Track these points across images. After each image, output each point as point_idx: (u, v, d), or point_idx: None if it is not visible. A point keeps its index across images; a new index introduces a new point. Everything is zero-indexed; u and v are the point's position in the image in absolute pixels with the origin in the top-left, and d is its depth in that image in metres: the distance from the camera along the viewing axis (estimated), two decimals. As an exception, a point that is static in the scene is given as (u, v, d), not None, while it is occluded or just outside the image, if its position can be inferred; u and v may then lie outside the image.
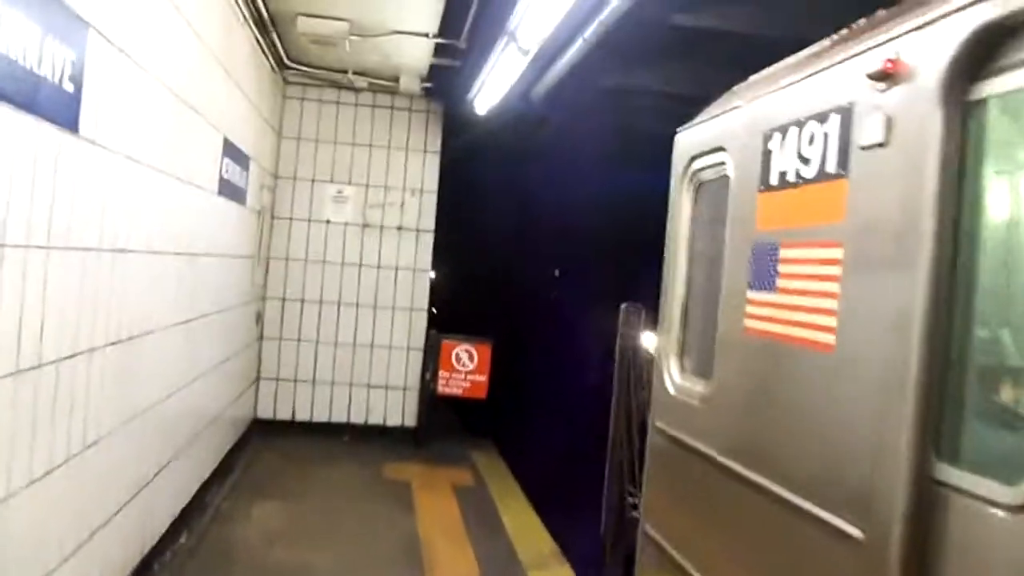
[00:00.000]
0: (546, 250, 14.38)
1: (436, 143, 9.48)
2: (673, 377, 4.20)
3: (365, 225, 9.41)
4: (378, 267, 9.44)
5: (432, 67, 8.23)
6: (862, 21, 2.93)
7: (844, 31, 3.01)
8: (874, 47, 2.50)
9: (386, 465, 8.41)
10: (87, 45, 3.44)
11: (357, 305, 9.43)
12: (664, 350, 4.32)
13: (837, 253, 2.62)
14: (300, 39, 7.20)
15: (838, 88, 2.72)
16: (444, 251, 9.77)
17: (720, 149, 3.74)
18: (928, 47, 2.26)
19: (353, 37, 6.92)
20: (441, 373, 9.17)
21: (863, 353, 2.46)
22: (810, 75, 2.93)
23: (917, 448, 2.21)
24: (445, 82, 8.65)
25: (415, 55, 7.68)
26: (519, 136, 9.56)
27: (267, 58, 7.77)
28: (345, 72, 8.71)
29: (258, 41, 7.10)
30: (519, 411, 11.84)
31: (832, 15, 3.47)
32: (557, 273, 14.52)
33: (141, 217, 4.35)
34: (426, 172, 9.47)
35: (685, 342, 4.21)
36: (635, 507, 4.85)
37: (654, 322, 5.26)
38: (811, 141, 2.86)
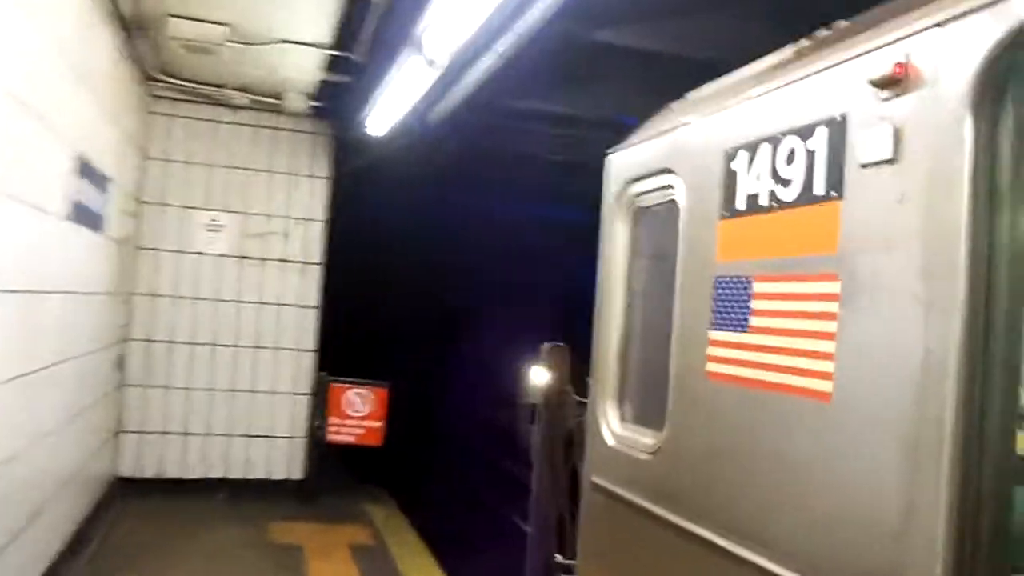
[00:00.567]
0: (453, 285, 13.92)
1: (324, 168, 8.90)
2: (611, 426, 3.81)
3: (243, 257, 8.70)
4: (259, 303, 8.74)
5: (322, 84, 7.70)
6: (842, 23, 2.65)
7: (824, 32, 2.73)
8: (875, 49, 2.21)
9: (271, 525, 7.67)
10: None
11: (235, 346, 8.67)
12: (600, 396, 3.93)
13: (832, 287, 2.30)
14: (171, 44, 6.54)
15: (826, 97, 2.42)
16: (341, 286, 9.15)
17: (666, 171, 3.41)
18: (953, 47, 1.97)
19: (233, 44, 6.32)
20: (331, 419, 8.52)
21: (872, 404, 2.13)
22: (786, 84, 2.63)
23: (956, 530, 1.88)
24: (336, 101, 8.12)
25: (303, 68, 7.14)
26: (422, 161, 9.11)
27: (133, 66, 7.04)
28: (223, 87, 8.05)
29: (123, 45, 6.39)
30: (421, 459, 11.25)
31: (771, 37, 3.20)
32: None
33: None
34: (313, 199, 8.87)
35: (624, 387, 3.84)
36: (565, 573, 4.42)
37: (583, 362, 4.90)
38: (790, 159, 2.55)
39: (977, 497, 1.88)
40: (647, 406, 3.61)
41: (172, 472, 8.51)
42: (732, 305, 2.82)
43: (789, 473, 2.45)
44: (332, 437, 8.53)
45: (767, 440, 2.57)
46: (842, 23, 2.67)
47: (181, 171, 8.54)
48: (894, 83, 2.13)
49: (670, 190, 3.40)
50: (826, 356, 2.31)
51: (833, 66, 2.41)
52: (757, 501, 2.61)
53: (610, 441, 3.78)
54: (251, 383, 8.68)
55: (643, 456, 3.40)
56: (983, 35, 1.91)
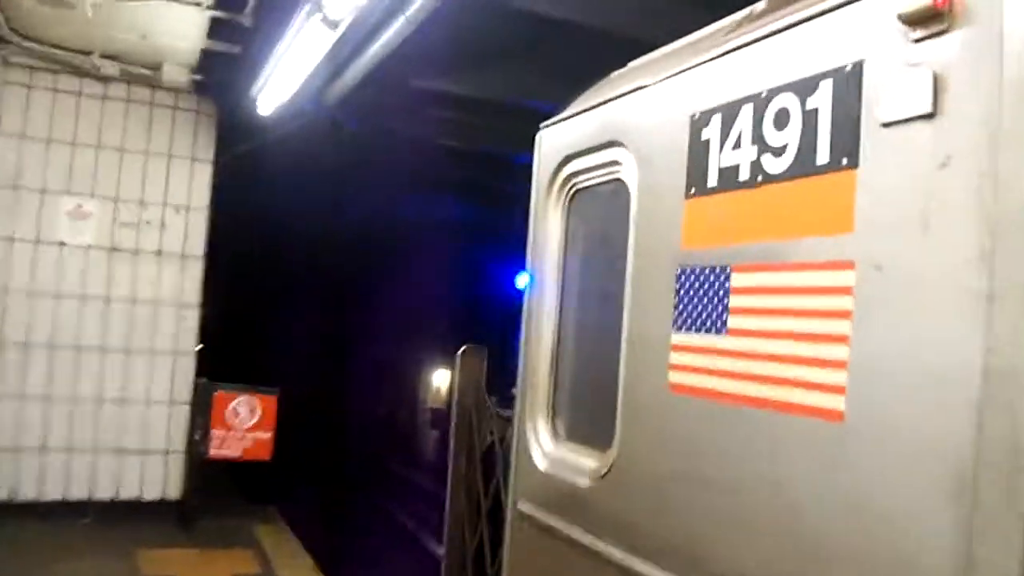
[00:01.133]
0: (350, 282, 13.17)
1: (208, 150, 8.10)
2: (543, 445, 3.31)
3: (114, 249, 7.81)
4: (132, 301, 7.87)
5: (205, 54, 6.94)
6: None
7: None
8: (905, -24, 1.76)
9: (142, 554, 6.85)
10: None
11: (102, 349, 7.77)
12: (528, 409, 3.42)
13: (846, 279, 1.85)
14: (22, -2, 5.67)
15: (831, 43, 1.97)
16: (225, 282, 8.35)
17: (612, 144, 2.93)
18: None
19: None
20: (214, 432, 7.74)
21: (905, 425, 1.68)
22: (775, 31, 2.18)
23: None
24: (221, 74, 7.36)
25: (182, 34, 6.38)
26: (318, 147, 8.41)
27: (-25, 25, 6.14)
28: (89, 54, 7.17)
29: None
30: (316, 472, 10.50)
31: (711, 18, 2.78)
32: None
33: None
34: (194, 185, 8.06)
35: (558, 399, 3.34)
36: (485, 612, 3.90)
37: (500, 366, 4.39)
38: (783, 121, 2.10)
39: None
40: (589, 422, 3.13)
41: (27, 494, 7.56)
42: (702, 301, 2.35)
43: (783, 510, 2.00)
44: (215, 452, 7.74)
45: (751, 468, 2.11)
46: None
47: (39, 150, 7.58)
48: (933, 18, 1.69)
49: (617, 167, 2.92)
50: (837, 365, 1.86)
51: (841, 4, 1.96)
52: (736, 542, 2.14)
53: (541, 463, 3.28)
54: (121, 391, 7.80)
55: (584, 482, 2.91)
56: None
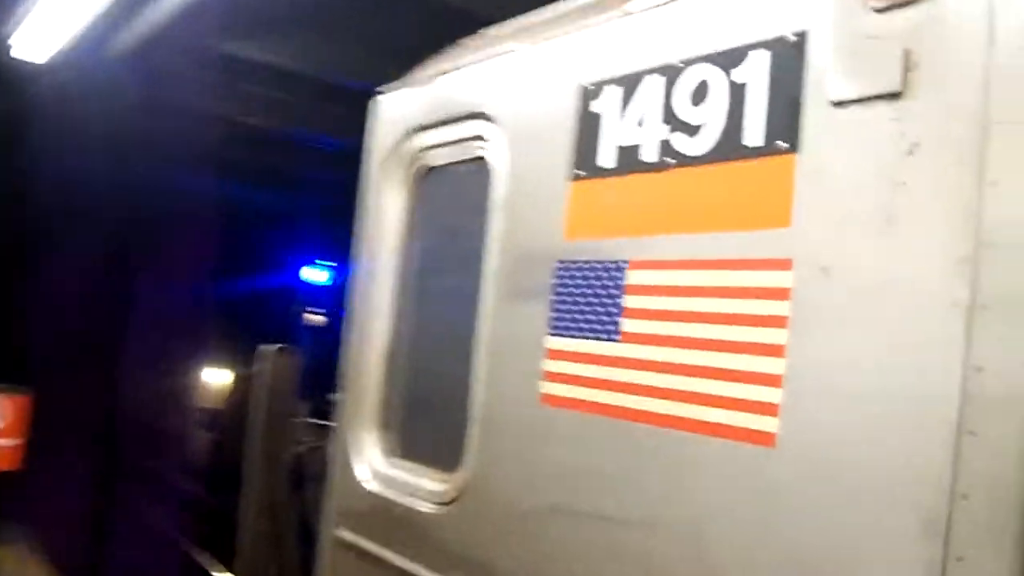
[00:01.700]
0: (124, 271, 11.79)
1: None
2: (371, 462, 2.87)
3: None
4: None
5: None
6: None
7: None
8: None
9: None
10: None
11: None
12: (352, 419, 2.97)
13: (780, 279, 1.59)
14: None
15: (767, 11, 1.72)
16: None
17: (475, 116, 2.56)
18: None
19: None
20: (-54, 438, 6.53)
21: (852, 454, 1.44)
22: (694, -9, 1.90)
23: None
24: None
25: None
26: (95, 110, 7.35)
27: None
28: None
29: None
30: (70, 481, 9.24)
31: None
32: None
33: None
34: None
35: (391, 409, 2.92)
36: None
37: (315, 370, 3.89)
38: (702, 96, 1.83)
39: None
40: (431, 438, 2.74)
41: None
42: (588, 302, 2.03)
43: (691, 553, 1.71)
44: (-55, 461, 6.54)
45: (649, 498, 1.82)
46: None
47: None
48: (905, -18, 1.47)
49: (479, 143, 2.56)
50: (768, 380, 1.59)
51: (780, -36, 1.72)
52: (627, 583, 1.84)
53: (368, 483, 2.84)
54: None
55: (426, 508, 2.52)
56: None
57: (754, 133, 1.69)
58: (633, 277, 1.93)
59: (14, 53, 5.63)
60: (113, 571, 6.91)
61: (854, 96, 1.52)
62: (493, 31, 2.69)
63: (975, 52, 1.37)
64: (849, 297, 1.49)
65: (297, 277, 13.80)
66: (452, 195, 2.78)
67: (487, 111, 2.51)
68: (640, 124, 1.96)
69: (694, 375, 1.74)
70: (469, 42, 2.76)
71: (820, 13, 1.61)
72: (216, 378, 12.55)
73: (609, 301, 1.98)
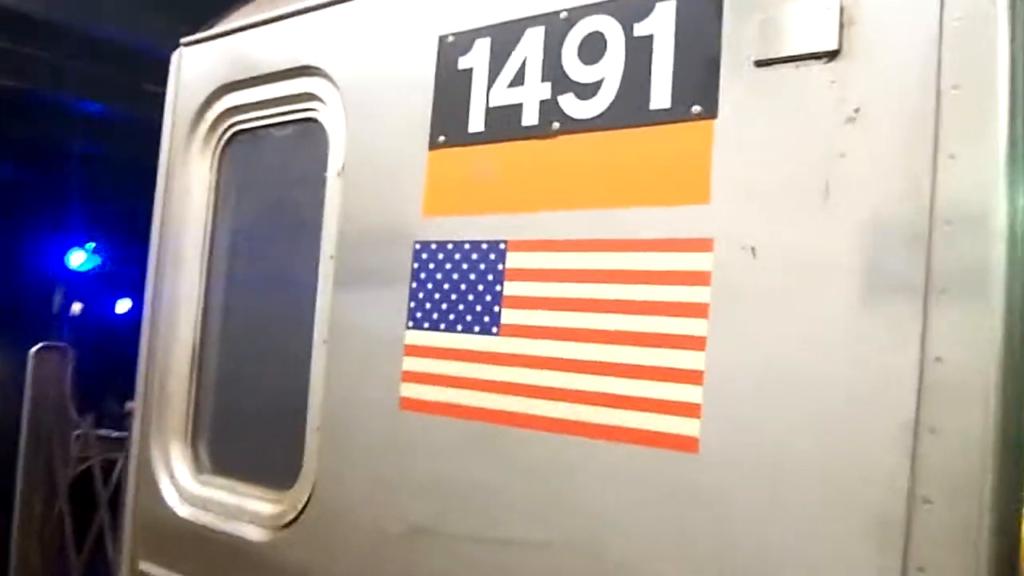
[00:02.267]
0: None
1: None
2: (179, 481, 2.46)
3: None
4: None
5: None
6: None
7: None
8: None
9: None
10: None
11: None
12: (154, 431, 2.55)
13: (700, 262, 1.42)
14: None
15: (677, -49, 1.53)
16: None
17: (306, 72, 2.22)
18: None
19: None
20: None
21: (796, 458, 1.30)
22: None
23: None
24: None
25: None
26: None
27: None
28: None
29: None
30: None
31: None
32: None
33: None
34: None
35: (201, 418, 2.52)
36: None
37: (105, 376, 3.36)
38: (596, 52, 1.61)
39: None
40: (256, 450, 2.38)
41: None
42: (456, 289, 1.78)
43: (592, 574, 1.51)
44: None
45: (545, 516, 1.60)
46: None
47: None
48: (839, -75, 1.32)
49: (310, 103, 2.22)
50: (687, 377, 1.42)
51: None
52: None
53: (177, 505, 2.44)
54: None
55: (255, 532, 2.17)
56: None
57: (661, 95, 1.50)
58: (514, 260, 1.69)
59: None
60: None
61: (782, 55, 1.36)
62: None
63: (923, 5, 1.24)
64: (780, 280, 1.34)
65: (63, 264, 12.36)
66: (275, 163, 2.41)
67: (320, 66, 2.17)
68: (518, 83, 1.72)
69: (595, 372, 1.54)
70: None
71: (738, -41, 1.44)
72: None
73: (484, 288, 1.73)
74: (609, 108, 1.57)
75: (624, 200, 1.53)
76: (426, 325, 1.82)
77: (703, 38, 1.46)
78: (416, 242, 1.86)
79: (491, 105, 1.76)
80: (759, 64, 1.39)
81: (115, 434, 2.93)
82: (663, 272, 1.46)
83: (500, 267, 1.71)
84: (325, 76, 2.15)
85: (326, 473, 2.02)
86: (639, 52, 1.54)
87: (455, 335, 1.77)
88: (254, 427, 2.41)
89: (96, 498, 2.85)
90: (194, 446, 2.50)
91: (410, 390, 1.84)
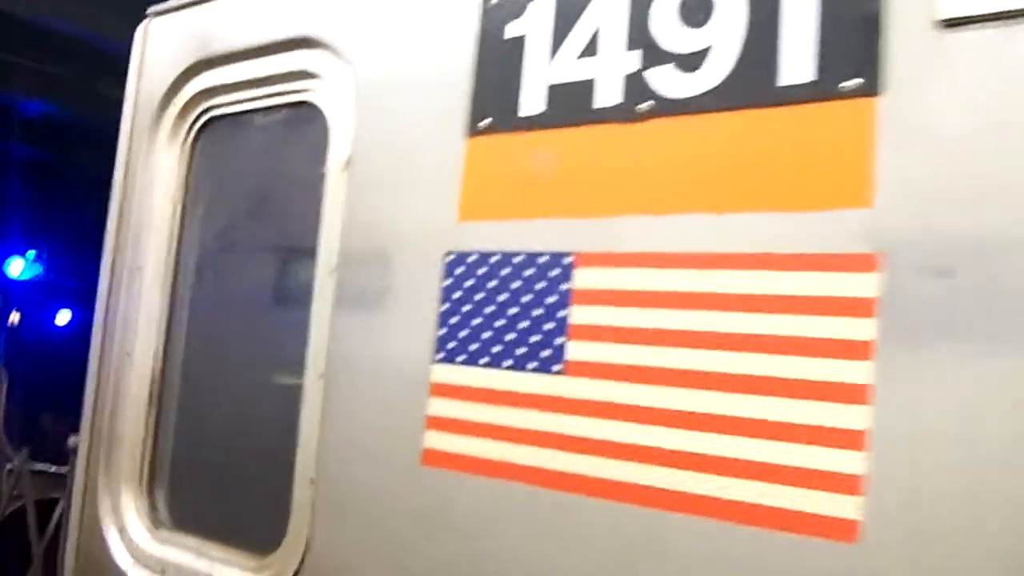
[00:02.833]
0: None
1: None
2: (131, 537, 2.05)
3: None
4: None
5: None
6: None
7: None
8: None
9: None
10: None
11: None
12: (102, 475, 2.13)
13: (862, 286, 1.07)
14: None
15: None
16: None
17: (301, 44, 1.84)
18: None
19: None
20: None
21: (994, 558, 0.95)
22: None
23: None
24: None
25: None
26: None
27: None
28: None
29: None
30: None
31: None
32: None
33: None
34: None
35: (160, 461, 2.11)
36: None
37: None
38: (703, 11, 1.26)
39: None
40: (227, 502, 1.97)
41: None
42: (504, 314, 1.40)
43: None
44: None
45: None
46: None
47: None
48: None
49: (306, 81, 1.84)
50: (842, 440, 1.06)
51: None
52: None
53: (128, 566, 2.02)
54: None
55: (229, 609, 1.76)
56: None
57: (797, 66, 1.15)
58: (584, 278, 1.33)
59: None
60: None
61: (980, 12, 1.02)
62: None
63: None
64: (980, 311, 0.99)
65: (2, 272, 11.69)
66: (259, 156, 2.02)
67: (324, 36, 1.79)
68: (589, 53, 1.36)
69: (700, 428, 1.18)
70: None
71: None
72: None
73: (542, 314, 1.36)
74: (721, 84, 1.22)
75: (743, 203, 1.18)
76: (460, 359, 1.45)
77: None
78: (449, 253, 1.49)
79: (553, 81, 1.40)
80: (945, 24, 1.05)
81: (53, 469, 2.49)
82: (806, 299, 1.10)
83: (565, 287, 1.34)
84: (330, 49, 1.77)
85: (322, 536, 1.63)
86: (764, 10, 1.19)
87: (500, 373, 1.40)
88: (225, 476, 2.01)
89: (29, 548, 2.40)
90: (150, 495, 2.08)
91: (436, 440, 1.46)
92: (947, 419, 1.00)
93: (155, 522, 2.06)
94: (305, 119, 1.84)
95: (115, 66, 2.42)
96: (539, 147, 1.41)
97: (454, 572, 1.41)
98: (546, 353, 1.35)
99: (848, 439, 1.06)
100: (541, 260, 1.38)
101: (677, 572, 1.18)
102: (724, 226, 1.19)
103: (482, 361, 1.42)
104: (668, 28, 1.29)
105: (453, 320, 1.47)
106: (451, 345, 1.47)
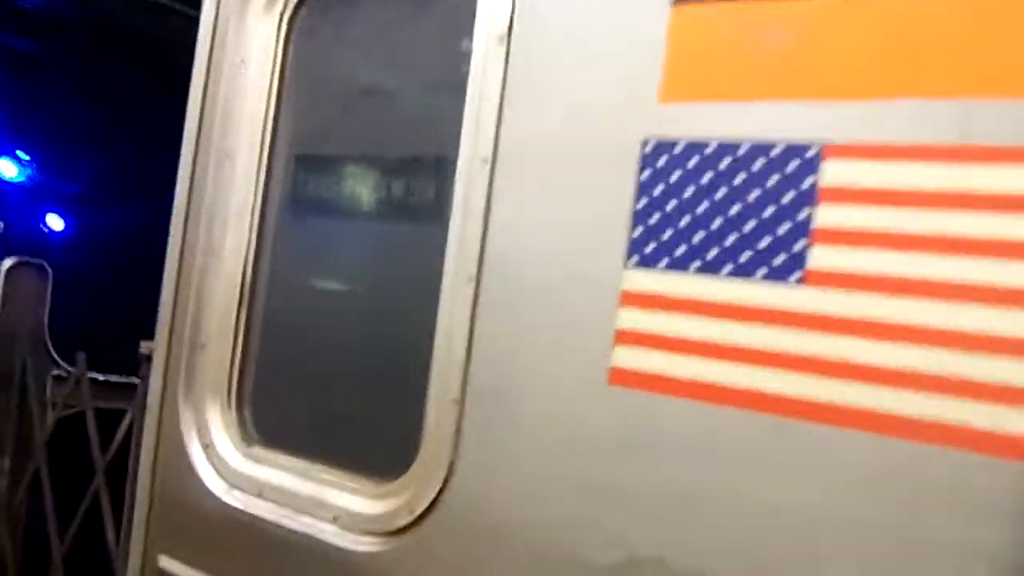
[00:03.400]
0: None
1: None
2: (218, 455, 1.91)
3: None
4: None
5: None
6: None
7: None
8: None
9: None
10: None
11: None
12: (183, 387, 1.98)
13: None
14: None
15: None
16: None
17: None
18: None
19: None
20: None
21: None
22: None
23: None
24: None
25: None
26: None
27: None
28: None
29: None
30: None
31: None
32: None
33: None
34: None
35: (249, 373, 1.96)
36: None
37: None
38: None
39: None
40: (335, 419, 1.82)
41: None
42: (722, 213, 1.23)
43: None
44: None
45: (874, 556, 1.09)
46: None
47: None
48: None
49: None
50: None
51: None
52: None
53: (217, 487, 1.88)
54: None
55: (342, 537, 1.63)
56: None
57: None
58: (834, 172, 1.15)
59: None
60: None
61: None
62: None
63: None
64: None
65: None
66: (380, 28, 1.81)
67: None
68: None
69: (977, 349, 1.02)
70: None
71: None
72: None
73: (776, 213, 1.19)
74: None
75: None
76: (663, 263, 1.28)
77: None
78: (648, 140, 1.31)
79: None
80: None
81: (114, 379, 2.34)
82: None
83: (808, 182, 1.17)
84: None
85: (472, 460, 1.48)
86: None
87: (718, 281, 1.23)
88: (331, 391, 1.86)
89: (91, 463, 2.27)
90: (240, 408, 1.93)
91: (629, 357, 1.30)
92: None
93: (247, 439, 1.91)
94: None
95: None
96: (771, 12, 1.22)
97: (654, 509, 1.27)
98: (780, 260, 1.18)
99: None
100: (775, 151, 1.20)
101: (933, 505, 1.04)
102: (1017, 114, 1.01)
103: (693, 267, 1.26)
104: None
105: (653, 219, 1.30)
106: (650, 248, 1.30)
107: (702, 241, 1.25)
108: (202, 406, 1.95)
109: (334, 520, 1.67)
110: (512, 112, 1.48)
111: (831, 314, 1.15)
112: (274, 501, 1.78)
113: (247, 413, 1.93)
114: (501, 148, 1.49)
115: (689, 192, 1.27)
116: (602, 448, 1.32)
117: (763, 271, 1.20)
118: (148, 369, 2.08)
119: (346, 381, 1.82)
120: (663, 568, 1.25)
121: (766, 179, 1.20)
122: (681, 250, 1.27)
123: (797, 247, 1.18)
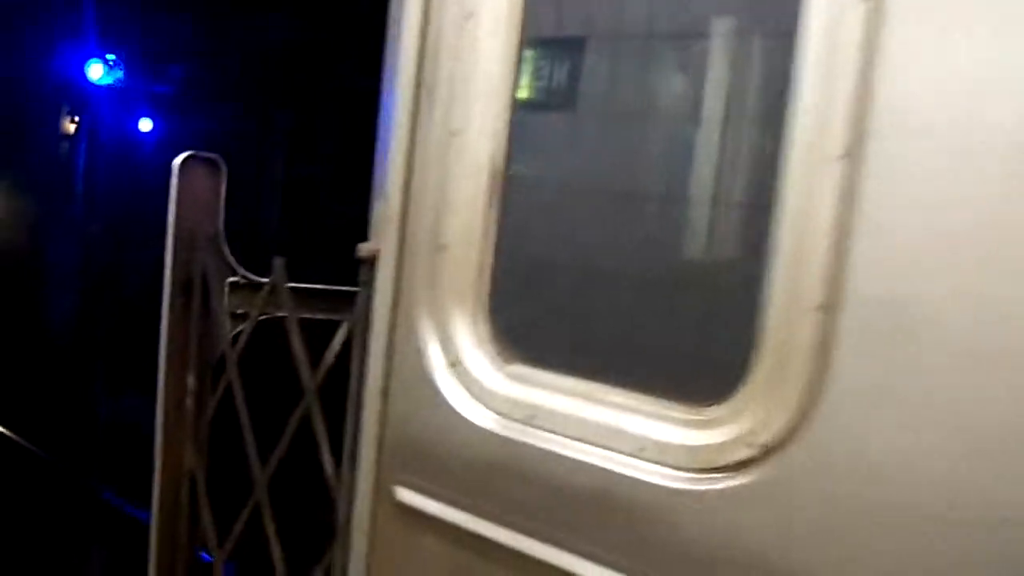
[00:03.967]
0: None
1: None
2: (469, 373, 1.68)
3: None
4: None
5: None
6: None
7: None
8: None
9: None
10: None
11: None
12: (420, 293, 1.75)
13: None
14: None
15: None
16: None
17: None
18: None
19: None
20: None
21: None
22: None
23: None
24: None
25: None
26: None
27: None
28: None
29: None
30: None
31: None
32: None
33: None
34: None
35: (504, 276, 1.71)
36: None
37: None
38: None
39: None
40: (624, 332, 1.57)
41: None
42: None
43: None
44: None
45: None
46: None
47: None
48: None
49: None
50: None
51: None
52: None
53: (470, 410, 1.66)
54: None
55: (668, 475, 1.39)
56: None
57: None
58: None
59: None
60: None
61: None
62: None
63: None
64: None
65: (82, 76, 11.34)
66: None
67: None
68: None
69: None
70: None
71: None
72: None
73: None
74: None
75: None
76: None
77: None
78: None
79: None
80: None
81: (320, 287, 2.14)
82: None
83: None
84: None
85: (847, 390, 1.21)
86: None
87: None
88: (616, 297, 1.60)
89: (296, 380, 2.08)
90: (493, 319, 1.69)
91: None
92: None
93: (504, 355, 1.68)
94: None
95: None
96: None
97: None
98: None
99: None
100: None
101: None
102: None
103: None
104: None
105: None
106: None
107: None
108: (445, 316, 1.72)
109: (640, 452, 1.43)
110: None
111: None
112: (550, 430, 1.55)
113: (504, 322, 1.69)
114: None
115: None
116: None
117: None
118: (369, 274, 1.86)
119: (636, 289, 1.56)
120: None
121: None
122: None
123: None
